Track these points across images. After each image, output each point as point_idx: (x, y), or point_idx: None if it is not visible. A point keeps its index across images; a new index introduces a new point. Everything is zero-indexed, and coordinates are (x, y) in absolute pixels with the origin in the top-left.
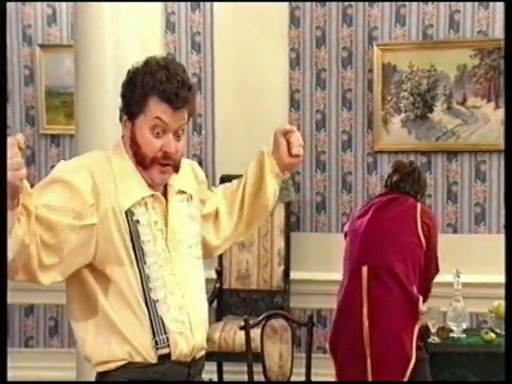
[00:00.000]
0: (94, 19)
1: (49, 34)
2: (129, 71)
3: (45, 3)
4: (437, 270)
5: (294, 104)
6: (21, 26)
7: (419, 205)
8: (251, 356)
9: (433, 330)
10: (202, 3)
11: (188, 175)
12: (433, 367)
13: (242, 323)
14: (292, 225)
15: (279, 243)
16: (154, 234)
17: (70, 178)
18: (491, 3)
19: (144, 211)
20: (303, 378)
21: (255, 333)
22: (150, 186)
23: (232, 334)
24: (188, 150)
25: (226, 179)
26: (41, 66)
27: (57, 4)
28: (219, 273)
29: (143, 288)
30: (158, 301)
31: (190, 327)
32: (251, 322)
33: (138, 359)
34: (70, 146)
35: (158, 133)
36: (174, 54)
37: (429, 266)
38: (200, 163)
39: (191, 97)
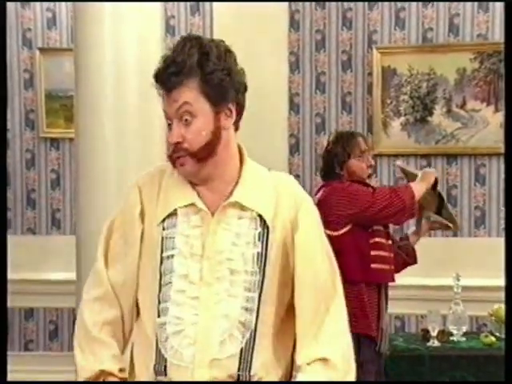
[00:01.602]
0: (94, 23)
1: (49, 37)
2: None
3: (44, 7)
4: None
5: (294, 107)
6: (21, 29)
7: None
8: None
9: (433, 334)
10: (201, 7)
11: (263, 192)
12: (433, 370)
13: None
14: None
15: None
16: (181, 249)
17: (125, 204)
18: (491, 7)
19: (174, 223)
20: None
21: None
22: (200, 190)
23: None
24: None
25: None
26: (40, 70)
27: (57, 8)
28: None
29: (158, 308)
30: (160, 326)
31: (193, 363)
32: None
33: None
34: (70, 149)
35: (169, 125)
36: None
37: None
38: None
39: (195, 75)
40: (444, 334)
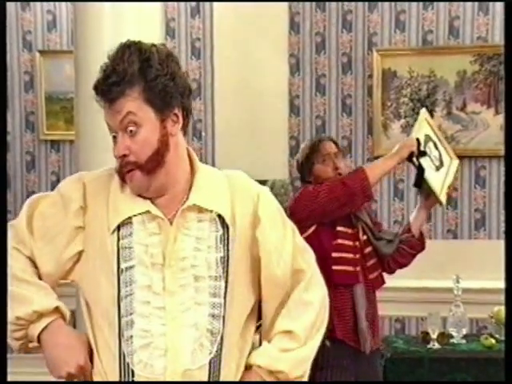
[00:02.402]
0: (94, 25)
1: (49, 39)
2: None
3: (45, 9)
4: None
5: (294, 109)
6: (21, 32)
7: None
8: None
9: (433, 336)
10: (201, 9)
11: (217, 191)
12: (433, 372)
13: None
14: None
15: None
16: (141, 259)
17: (62, 191)
18: (491, 9)
19: (130, 232)
20: None
21: None
22: (155, 198)
23: None
24: None
25: None
26: (41, 72)
27: (57, 10)
28: None
29: (119, 323)
30: (126, 340)
31: (164, 375)
32: None
33: None
34: (70, 151)
35: (114, 137)
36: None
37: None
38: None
39: (137, 83)
40: (444, 337)
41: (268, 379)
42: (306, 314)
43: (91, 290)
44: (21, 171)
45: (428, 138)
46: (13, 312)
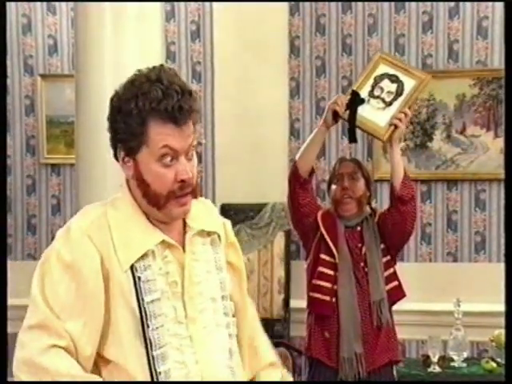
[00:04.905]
0: (95, 49)
1: (50, 63)
2: (113, 98)
3: (46, 34)
4: None
5: (294, 133)
6: (22, 56)
7: None
8: None
9: (433, 360)
10: (201, 33)
11: (211, 215)
12: None
13: None
14: (292, 253)
15: (279, 272)
16: (164, 290)
17: (78, 263)
18: (490, 33)
19: (148, 264)
20: None
21: None
22: (161, 228)
23: None
24: None
25: (226, 208)
26: (42, 96)
27: (58, 34)
28: None
29: (148, 358)
30: (160, 373)
31: None
32: None
33: None
34: (71, 175)
35: (168, 160)
36: None
37: None
38: (200, 191)
39: (194, 103)
40: (445, 360)
41: None
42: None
43: (111, 340)
44: (21, 195)
45: (382, 77)
46: None
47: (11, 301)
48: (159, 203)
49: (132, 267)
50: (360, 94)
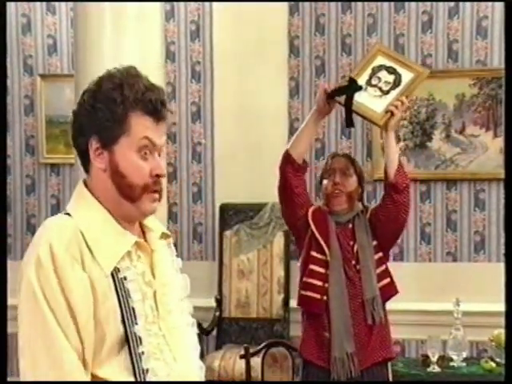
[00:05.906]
0: (94, 49)
1: (49, 63)
2: (89, 89)
3: (45, 34)
4: None
5: (294, 132)
6: (22, 56)
7: None
8: None
9: (433, 359)
10: (201, 33)
11: (156, 220)
12: None
13: (242, 352)
14: (292, 253)
15: (279, 271)
16: (143, 290)
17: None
18: (489, 33)
19: (126, 265)
20: None
21: (255, 361)
22: (127, 229)
23: (232, 362)
24: (187, 178)
25: (225, 208)
26: (41, 96)
27: (57, 34)
28: (219, 301)
29: (131, 356)
30: (147, 371)
31: None
32: (251, 350)
33: None
34: (70, 175)
35: (145, 153)
36: (174, 83)
37: None
38: (199, 192)
39: (168, 104)
40: (444, 360)
41: None
42: None
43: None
44: (21, 194)
45: (380, 68)
46: None
47: (11, 301)
48: (134, 195)
49: (112, 273)
50: (357, 81)
